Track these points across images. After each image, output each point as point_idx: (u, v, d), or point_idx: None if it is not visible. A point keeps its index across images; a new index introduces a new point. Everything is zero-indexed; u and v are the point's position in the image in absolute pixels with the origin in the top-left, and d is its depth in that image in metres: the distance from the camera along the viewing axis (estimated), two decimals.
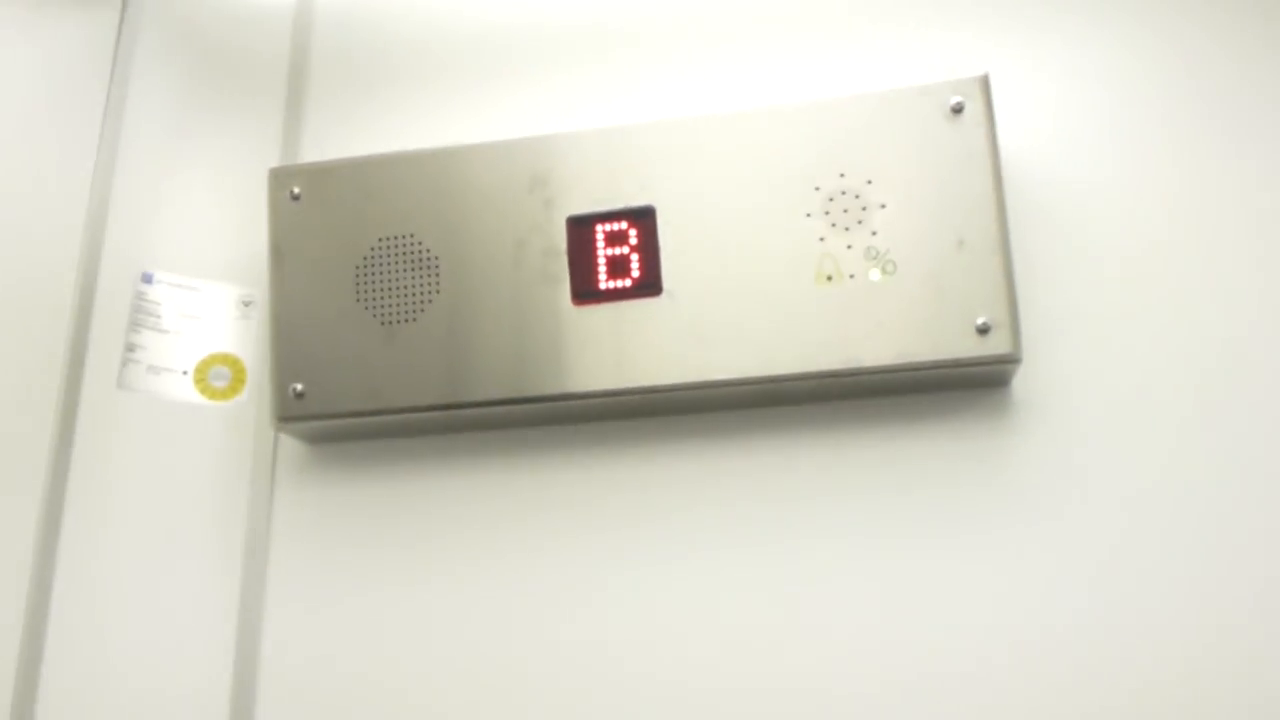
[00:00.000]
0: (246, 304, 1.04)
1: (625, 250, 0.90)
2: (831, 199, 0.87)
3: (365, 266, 0.94)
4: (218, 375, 1.02)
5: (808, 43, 1.00)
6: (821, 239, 0.87)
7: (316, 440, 1.00)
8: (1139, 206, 0.91)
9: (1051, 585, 0.85)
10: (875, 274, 0.86)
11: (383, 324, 0.93)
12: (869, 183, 0.87)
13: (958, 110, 0.86)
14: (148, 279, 1.04)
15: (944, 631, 0.85)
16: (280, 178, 0.98)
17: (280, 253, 0.96)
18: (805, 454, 0.91)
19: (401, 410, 0.92)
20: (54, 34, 1.08)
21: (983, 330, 0.83)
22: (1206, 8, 0.94)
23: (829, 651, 0.87)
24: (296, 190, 0.97)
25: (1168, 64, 0.93)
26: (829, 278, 0.86)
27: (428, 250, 0.94)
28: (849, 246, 0.87)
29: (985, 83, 0.87)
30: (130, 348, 1.02)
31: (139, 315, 1.02)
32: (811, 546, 0.89)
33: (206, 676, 0.95)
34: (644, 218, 0.91)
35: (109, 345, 1.02)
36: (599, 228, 0.91)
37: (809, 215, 0.88)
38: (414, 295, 0.93)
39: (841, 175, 0.88)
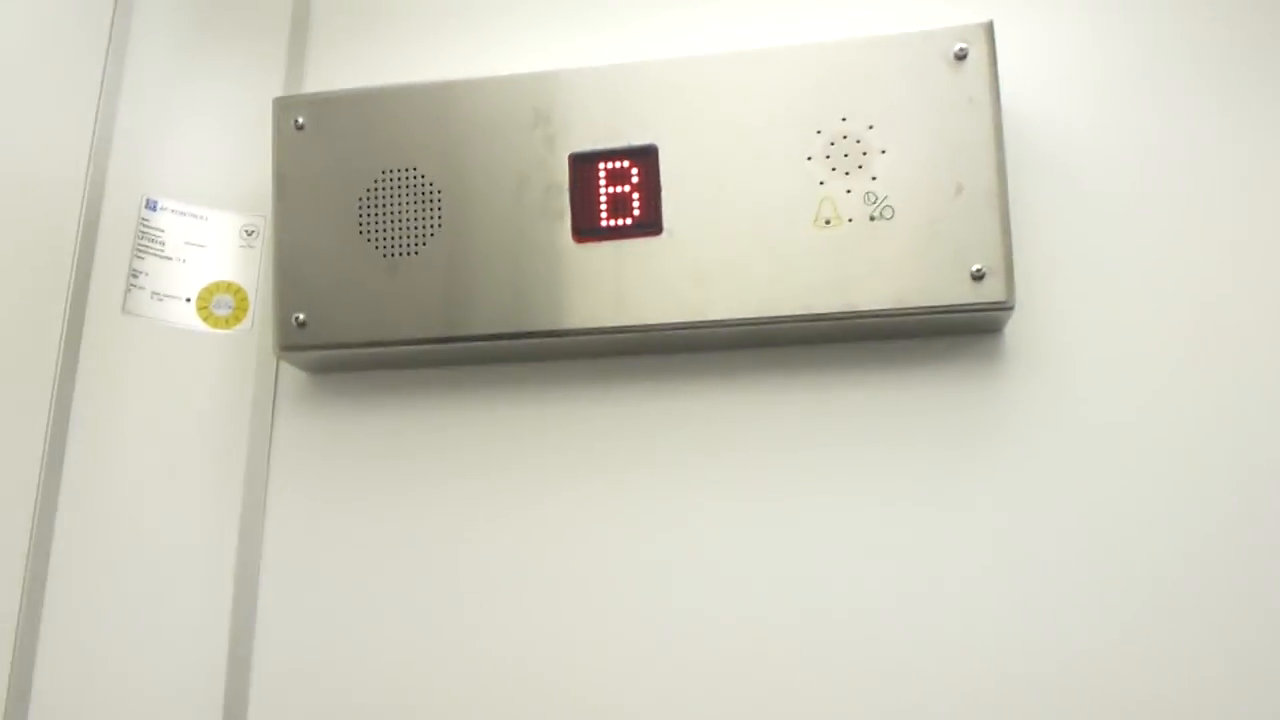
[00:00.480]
0: (250, 233, 1.05)
1: (626, 188, 0.91)
2: (832, 143, 0.88)
3: (368, 198, 0.95)
4: (220, 303, 1.03)
5: None
6: (821, 182, 0.88)
7: (317, 370, 1.02)
8: (1138, 157, 0.91)
9: (1042, 530, 0.87)
10: (873, 218, 0.86)
11: (384, 256, 0.94)
12: (870, 127, 0.87)
13: (961, 56, 0.86)
14: (152, 206, 1.04)
15: (934, 574, 0.87)
16: (285, 107, 0.98)
17: (284, 182, 0.97)
18: (800, 395, 0.93)
19: (402, 342, 0.94)
20: None
21: (977, 276, 0.84)
22: None
23: (820, 590, 0.89)
24: (300, 120, 0.97)
25: (1169, 15, 0.93)
26: (827, 221, 0.87)
27: (430, 184, 0.94)
28: (848, 191, 0.87)
29: (989, 29, 0.87)
30: (134, 274, 1.02)
31: (143, 242, 1.03)
32: (803, 487, 0.91)
33: (205, 599, 0.97)
34: (646, 156, 0.91)
35: (113, 271, 1.02)
36: (601, 165, 0.92)
37: (809, 158, 0.88)
38: (416, 228, 0.94)
39: (843, 119, 0.88)
